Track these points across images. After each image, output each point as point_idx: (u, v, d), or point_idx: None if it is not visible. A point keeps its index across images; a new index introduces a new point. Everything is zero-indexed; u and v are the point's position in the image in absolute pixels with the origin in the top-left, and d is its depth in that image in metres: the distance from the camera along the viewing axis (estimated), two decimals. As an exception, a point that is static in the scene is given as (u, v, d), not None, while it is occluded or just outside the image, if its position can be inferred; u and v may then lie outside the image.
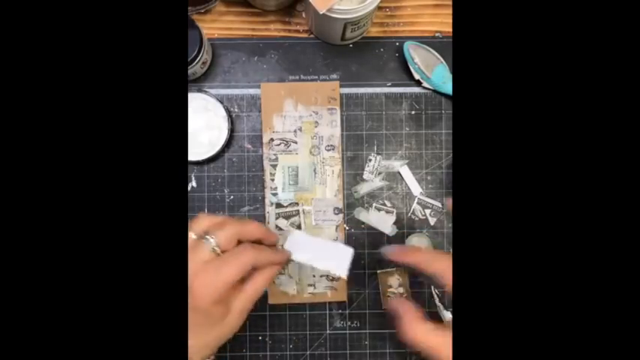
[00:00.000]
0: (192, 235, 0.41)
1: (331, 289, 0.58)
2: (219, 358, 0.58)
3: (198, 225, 0.41)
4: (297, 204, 0.58)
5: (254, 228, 0.43)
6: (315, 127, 0.59)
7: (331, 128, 0.59)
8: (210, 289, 0.38)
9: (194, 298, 0.38)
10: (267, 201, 0.58)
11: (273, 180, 0.58)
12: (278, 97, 0.59)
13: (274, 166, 0.58)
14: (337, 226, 0.58)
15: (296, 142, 0.58)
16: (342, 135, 0.59)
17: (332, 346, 0.58)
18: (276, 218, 0.58)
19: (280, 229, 0.58)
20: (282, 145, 0.58)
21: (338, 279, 0.58)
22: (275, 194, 0.58)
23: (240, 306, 0.40)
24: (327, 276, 0.58)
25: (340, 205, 0.58)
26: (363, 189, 0.59)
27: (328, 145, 0.58)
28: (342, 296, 0.58)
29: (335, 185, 0.58)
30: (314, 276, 0.58)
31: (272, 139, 0.58)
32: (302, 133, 0.58)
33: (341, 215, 0.58)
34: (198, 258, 0.39)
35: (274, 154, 0.58)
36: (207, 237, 0.40)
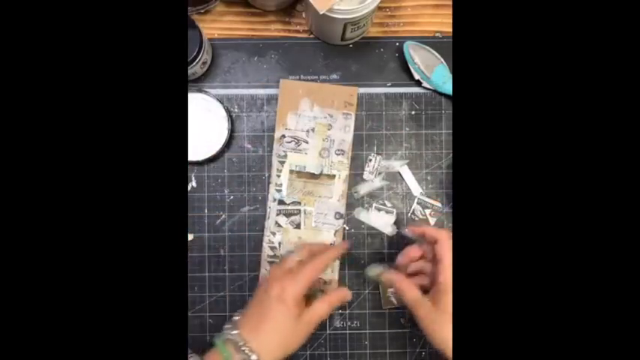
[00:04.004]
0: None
1: (322, 292, 0.58)
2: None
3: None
4: (299, 203, 0.58)
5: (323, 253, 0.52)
6: (329, 129, 0.58)
7: (344, 133, 0.58)
8: (294, 288, 0.47)
9: (280, 294, 0.47)
10: (269, 196, 0.58)
11: (279, 177, 0.58)
12: (295, 95, 0.58)
13: (282, 163, 0.58)
14: (336, 231, 0.58)
15: (307, 142, 0.58)
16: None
17: (332, 346, 0.58)
18: (277, 214, 0.58)
19: (279, 225, 0.58)
20: (293, 143, 0.58)
21: (330, 282, 0.58)
22: (279, 190, 0.58)
23: (310, 314, 0.48)
24: (319, 279, 0.58)
25: (342, 210, 0.58)
26: (363, 189, 0.59)
27: (338, 150, 0.58)
28: None
29: (340, 190, 0.58)
30: None
31: (283, 136, 0.58)
32: (314, 134, 0.58)
33: (341, 220, 0.58)
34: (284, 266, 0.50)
35: (284, 151, 0.58)
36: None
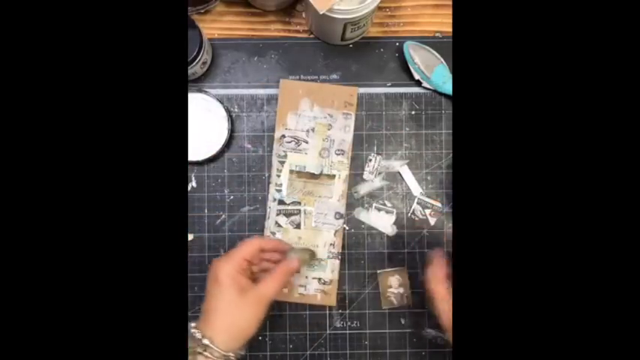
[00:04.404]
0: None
1: (322, 292, 0.58)
2: None
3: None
4: (299, 203, 0.58)
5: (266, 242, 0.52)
6: (328, 129, 0.58)
7: (344, 133, 0.59)
8: (226, 266, 0.47)
9: (215, 275, 0.47)
10: (269, 196, 0.58)
11: (279, 177, 0.58)
12: (296, 95, 0.59)
13: (282, 163, 0.58)
14: (336, 231, 0.58)
15: (307, 142, 0.58)
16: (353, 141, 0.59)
17: (332, 346, 0.58)
18: (277, 214, 0.58)
19: (279, 225, 0.58)
20: (293, 143, 0.58)
21: (329, 282, 0.58)
22: (279, 190, 0.58)
23: (256, 294, 0.47)
24: (320, 279, 0.58)
25: (342, 210, 0.58)
26: (363, 189, 0.59)
27: (338, 150, 0.58)
28: (332, 301, 0.58)
29: (340, 190, 0.58)
30: (306, 277, 0.58)
31: (283, 136, 0.58)
32: (314, 133, 0.58)
33: (341, 220, 0.58)
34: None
35: (284, 151, 0.58)
36: None
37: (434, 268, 0.49)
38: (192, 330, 0.45)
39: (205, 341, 0.44)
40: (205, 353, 0.44)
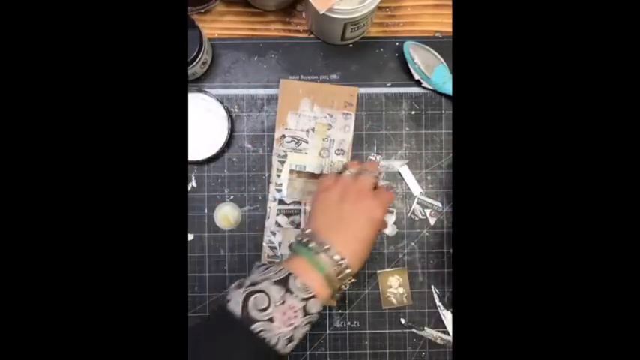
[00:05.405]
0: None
1: None
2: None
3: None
4: (299, 203, 0.58)
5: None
6: (328, 129, 0.58)
7: (344, 133, 0.59)
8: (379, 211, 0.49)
9: (375, 216, 0.49)
10: (270, 196, 0.58)
11: (279, 177, 0.58)
12: (296, 95, 0.59)
13: (282, 163, 0.58)
14: None
15: (307, 142, 0.58)
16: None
17: (332, 346, 0.58)
18: (277, 214, 0.58)
19: (279, 225, 0.58)
20: (293, 142, 0.58)
21: None
22: (279, 190, 0.58)
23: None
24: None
25: (342, 210, 0.58)
26: (363, 189, 0.59)
27: (338, 150, 0.58)
28: (332, 301, 0.58)
29: None
30: None
31: (283, 136, 0.58)
32: (314, 133, 0.58)
33: (341, 220, 0.58)
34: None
35: (283, 151, 0.58)
36: None
37: None
38: (330, 250, 0.45)
39: (348, 271, 0.45)
40: (323, 255, 0.45)
